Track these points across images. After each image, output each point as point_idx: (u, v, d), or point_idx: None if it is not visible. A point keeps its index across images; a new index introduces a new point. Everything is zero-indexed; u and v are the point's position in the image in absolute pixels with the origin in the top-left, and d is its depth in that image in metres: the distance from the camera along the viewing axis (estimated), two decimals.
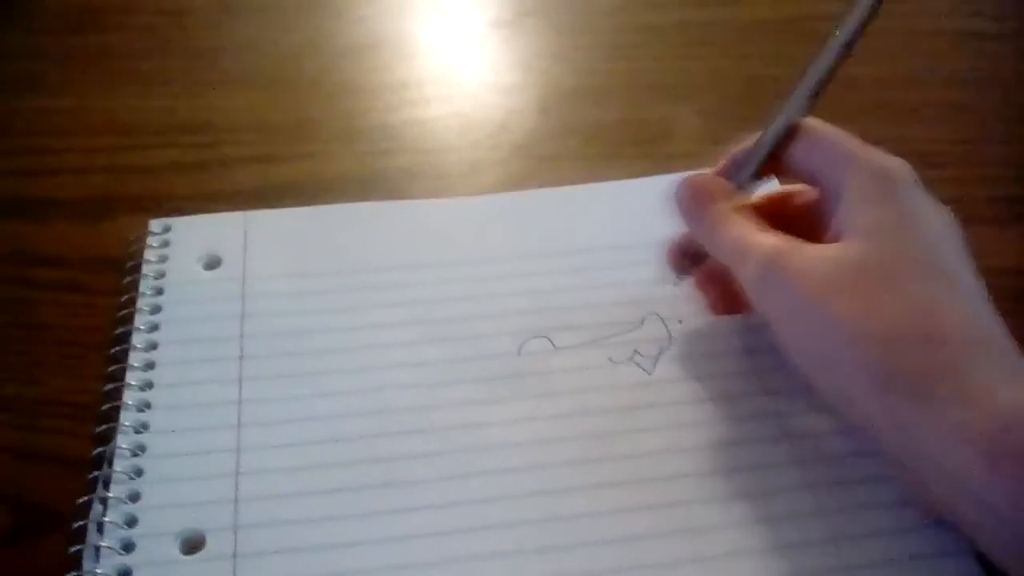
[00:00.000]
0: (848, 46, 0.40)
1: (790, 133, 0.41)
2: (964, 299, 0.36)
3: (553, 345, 0.45)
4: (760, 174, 0.42)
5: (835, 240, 0.38)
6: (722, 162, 0.44)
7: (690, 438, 0.42)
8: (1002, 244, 0.51)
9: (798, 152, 0.41)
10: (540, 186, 0.54)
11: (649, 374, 0.44)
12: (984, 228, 0.52)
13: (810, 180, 0.42)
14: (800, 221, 0.42)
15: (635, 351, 0.44)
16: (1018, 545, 0.32)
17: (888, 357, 0.34)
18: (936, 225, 0.38)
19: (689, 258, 0.44)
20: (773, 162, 0.42)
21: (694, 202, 0.42)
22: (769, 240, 0.39)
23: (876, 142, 0.57)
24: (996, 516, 0.32)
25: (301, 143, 0.58)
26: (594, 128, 0.59)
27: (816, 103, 0.41)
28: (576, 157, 0.57)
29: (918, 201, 0.38)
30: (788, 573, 0.37)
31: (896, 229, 0.37)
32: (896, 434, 0.35)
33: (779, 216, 0.43)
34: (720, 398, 0.43)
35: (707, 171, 0.43)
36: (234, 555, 0.37)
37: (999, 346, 0.35)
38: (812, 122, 0.41)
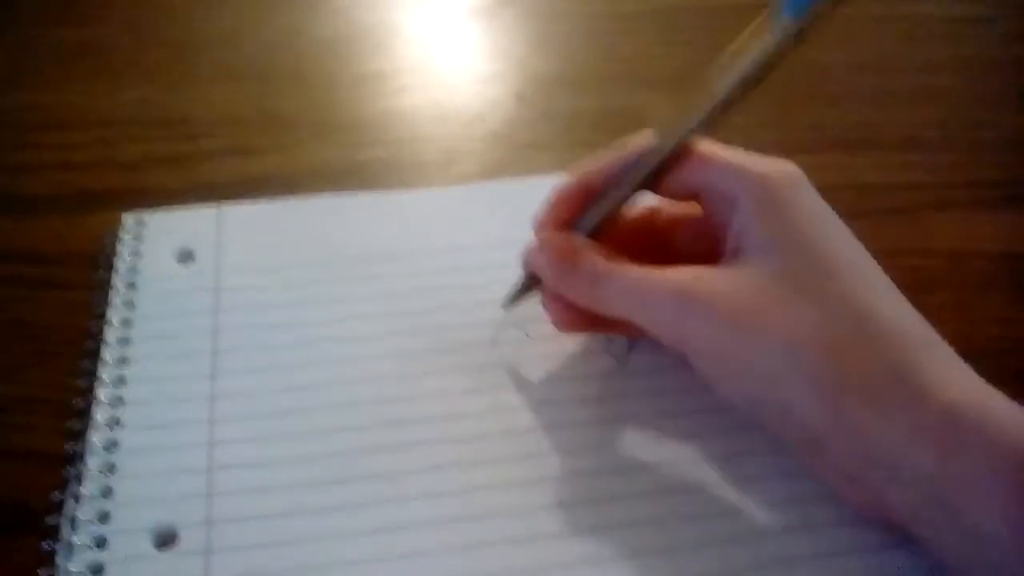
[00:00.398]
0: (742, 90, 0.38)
1: (668, 161, 0.40)
2: (886, 296, 0.36)
3: (528, 335, 0.45)
4: (618, 211, 0.41)
5: (735, 255, 0.38)
6: (557, 199, 0.42)
7: (664, 427, 0.42)
8: (979, 228, 0.51)
9: (675, 173, 0.40)
10: (517, 175, 0.54)
11: (623, 364, 0.44)
12: (961, 212, 0.52)
13: (688, 197, 0.41)
14: (676, 240, 0.42)
15: (609, 341, 0.44)
16: (970, 542, 0.32)
17: (834, 364, 0.34)
18: (837, 222, 0.38)
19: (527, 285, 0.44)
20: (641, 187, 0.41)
21: (565, 264, 0.40)
22: (672, 277, 0.37)
23: (851, 127, 0.57)
24: (949, 511, 0.32)
25: (277, 135, 0.58)
26: (571, 117, 0.59)
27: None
28: (553, 146, 0.57)
29: (815, 201, 0.38)
30: (754, 560, 0.37)
31: (803, 234, 0.36)
32: (847, 441, 0.34)
33: (648, 237, 0.42)
34: (694, 388, 0.43)
35: (544, 225, 0.42)
36: (207, 550, 0.37)
37: (928, 339, 0.35)
38: (695, 143, 0.40)
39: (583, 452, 0.41)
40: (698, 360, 0.38)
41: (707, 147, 0.40)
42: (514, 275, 0.47)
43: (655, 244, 0.41)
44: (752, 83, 0.38)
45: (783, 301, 0.35)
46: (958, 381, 0.34)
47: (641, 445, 0.41)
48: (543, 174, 0.53)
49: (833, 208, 0.38)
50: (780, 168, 0.38)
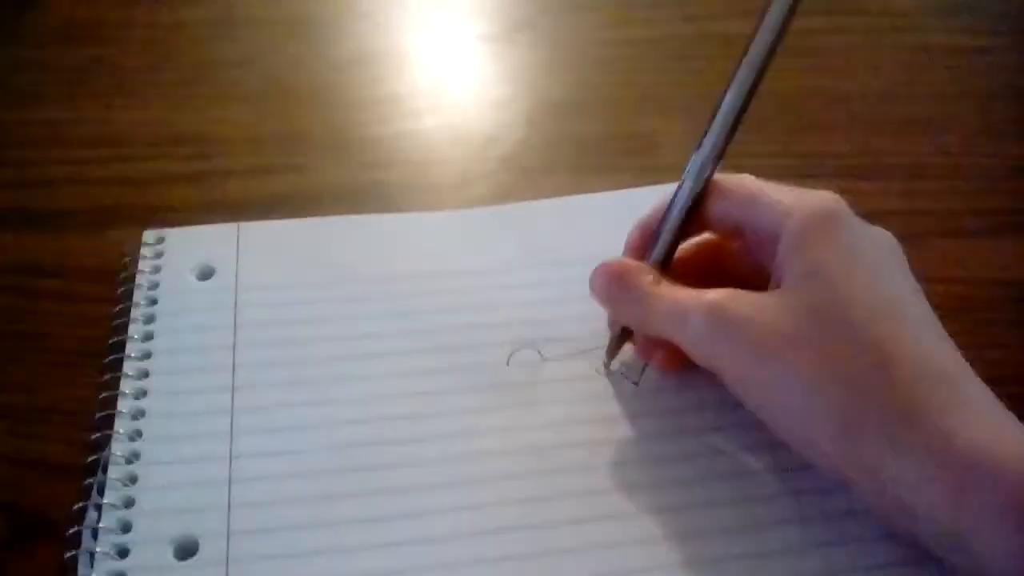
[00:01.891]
0: (747, 99, 0.40)
1: (703, 194, 0.41)
2: (916, 333, 0.36)
3: (541, 356, 0.46)
4: (676, 245, 0.42)
5: (776, 286, 0.38)
6: (629, 241, 0.44)
7: (677, 447, 0.42)
8: (982, 256, 0.52)
9: (717, 208, 0.41)
10: (528, 198, 0.54)
11: (636, 384, 0.44)
12: (966, 240, 0.53)
13: (735, 232, 0.42)
14: (732, 271, 0.42)
15: (622, 362, 0.45)
16: None
17: (852, 404, 0.34)
18: (878, 255, 0.38)
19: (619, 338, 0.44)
20: (690, 225, 0.42)
21: (615, 287, 0.42)
22: (708, 295, 0.38)
23: (855, 155, 0.58)
24: (967, 555, 0.32)
25: (294, 155, 0.58)
26: (582, 141, 0.60)
27: (722, 158, 0.41)
28: (564, 169, 0.58)
29: (855, 233, 0.38)
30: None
31: (837, 268, 0.37)
32: (864, 478, 0.35)
33: (710, 268, 0.43)
34: (707, 407, 0.43)
35: (617, 257, 0.44)
36: (227, 560, 0.38)
37: (954, 379, 0.35)
38: (724, 177, 0.41)
39: (598, 471, 0.41)
40: (729, 380, 0.39)
41: (749, 181, 0.41)
42: (528, 296, 0.48)
43: (717, 277, 0.41)
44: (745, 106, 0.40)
45: (811, 336, 0.35)
46: (978, 423, 0.33)
47: (658, 464, 0.42)
48: (554, 197, 0.54)
49: None
50: (819, 201, 0.39)
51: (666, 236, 0.42)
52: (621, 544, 0.39)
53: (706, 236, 0.44)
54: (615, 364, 0.45)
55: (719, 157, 0.41)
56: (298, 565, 0.38)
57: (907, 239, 0.39)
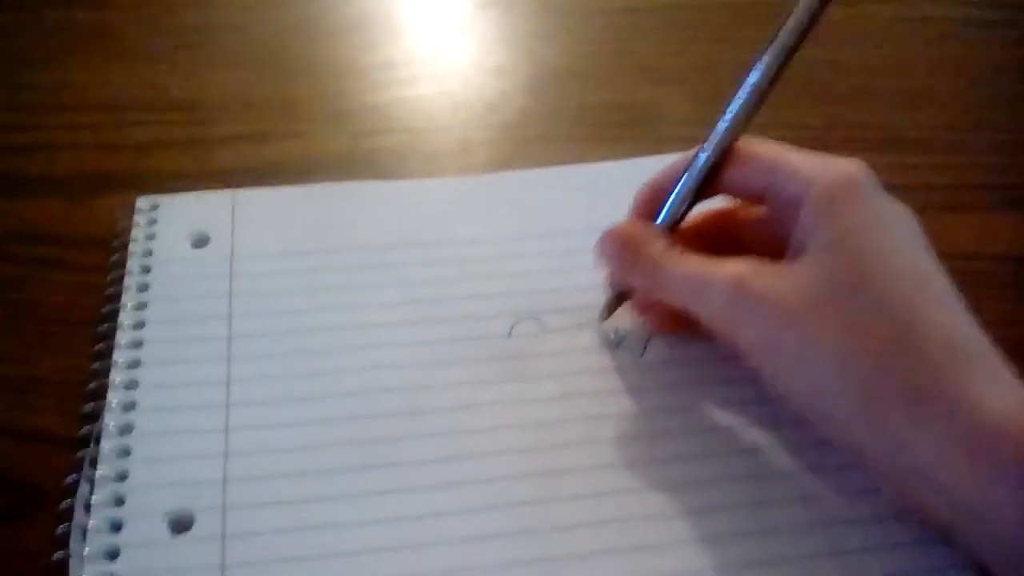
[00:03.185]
0: (784, 60, 0.39)
1: (724, 157, 0.40)
2: (940, 304, 0.35)
3: (544, 327, 0.45)
4: (689, 208, 0.41)
5: (798, 255, 0.37)
6: (638, 201, 0.43)
7: (680, 421, 0.42)
8: (992, 231, 0.52)
9: (737, 174, 0.40)
10: (529, 166, 0.54)
11: (639, 357, 0.44)
12: (974, 215, 0.52)
13: (755, 199, 0.41)
14: (748, 239, 0.42)
15: (625, 334, 0.45)
16: (1010, 553, 0.32)
17: (876, 375, 0.34)
18: (900, 226, 0.37)
19: (616, 299, 0.44)
20: (707, 187, 0.41)
21: (626, 251, 0.41)
22: (730, 267, 0.38)
23: (866, 128, 0.57)
24: (988, 525, 0.32)
25: (289, 122, 0.57)
26: (583, 109, 0.59)
27: (751, 119, 0.40)
28: (565, 138, 0.57)
29: (879, 204, 0.37)
30: (780, 556, 0.37)
31: (862, 238, 0.36)
32: (887, 450, 0.34)
33: (721, 235, 0.42)
34: (710, 382, 0.43)
35: (627, 220, 0.43)
36: (223, 535, 0.37)
37: (978, 350, 0.35)
38: (747, 142, 0.40)
39: (599, 445, 0.41)
40: (748, 353, 0.38)
41: (772, 147, 0.40)
42: (529, 265, 0.47)
43: (729, 245, 0.41)
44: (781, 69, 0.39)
45: (835, 304, 0.35)
46: (1001, 393, 0.33)
47: (658, 439, 0.41)
48: (554, 165, 0.54)
49: None
50: (845, 169, 0.38)
51: (680, 199, 0.41)
52: (623, 520, 0.38)
53: (719, 201, 0.43)
54: (613, 329, 0.44)
55: (745, 124, 0.40)
56: (295, 539, 0.37)
57: (916, 213, 0.38)
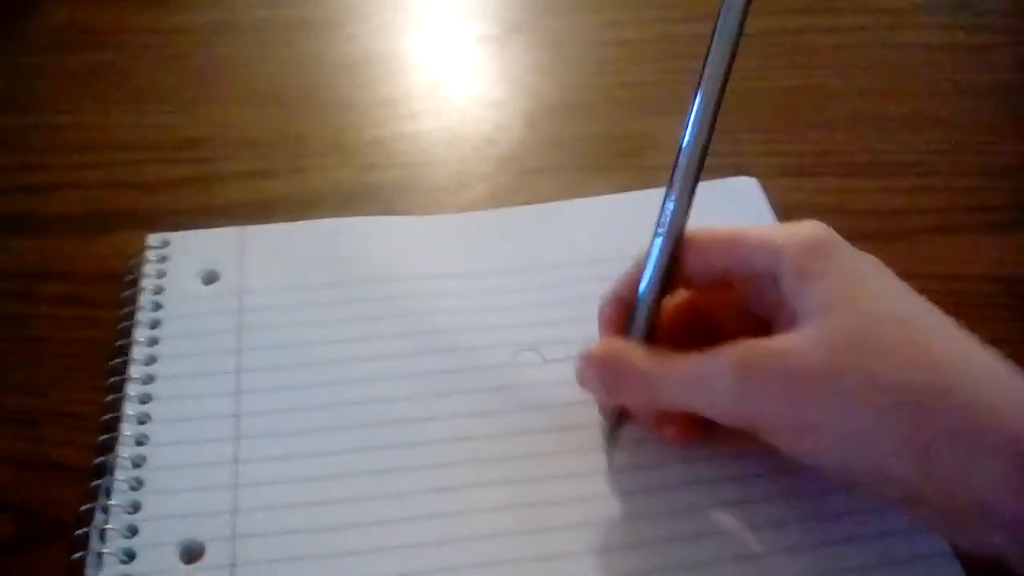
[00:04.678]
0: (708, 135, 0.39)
1: (678, 251, 0.39)
2: (945, 337, 0.35)
3: (543, 358, 0.46)
4: (658, 311, 0.40)
5: (792, 323, 0.36)
6: (603, 318, 0.41)
7: (681, 450, 0.42)
8: (981, 252, 0.52)
9: (697, 263, 0.39)
10: (526, 199, 0.55)
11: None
12: (963, 236, 0.53)
13: (717, 283, 0.40)
14: (721, 324, 0.41)
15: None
16: None
17: (918, 419, 0.33)
18: (879, 272, 0.37)
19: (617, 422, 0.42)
20: (668, 284, 0.40)
21: (609, 373, 0.39)
22: (725, 354, 0.36)
23: (854, 152, 0.58)
24: None
25: (294, 158, 0.59)
26: (580, 141, 0.60)
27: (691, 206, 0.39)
28: (562, 170, 0.58)
29: (852, 257, 0.37)
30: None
31: (851, 292, 0.36)
32: (943, 492, 0.33)
33: (692, 328, 0.42)
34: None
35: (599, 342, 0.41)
36: (232, 564, 0.38)
37: (997, 372, 0.34)
38: (696, 231, 0.39)
39: (597, 476, 0.41)
40: (774, 435, 0.37)
41: (722, 229, 0.39)
42: (528, 298, 0.48)
43: (702, 336, 0.39)
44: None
45: (856, 360, 0.34)
46: None
47: (656, 469, 0.42)
48: (552, 198, 0.54)
49: (837, 231, 0.38)
50: (810, 232, 0.38)
51: (647, 303, 0.40)
52: (618, 549, 0.39)
53: (682, 294, 0.42)
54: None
55: (689, 207, 0.39)
56: (303, 569, 0.38)
57: (905, 236, 0.38)
